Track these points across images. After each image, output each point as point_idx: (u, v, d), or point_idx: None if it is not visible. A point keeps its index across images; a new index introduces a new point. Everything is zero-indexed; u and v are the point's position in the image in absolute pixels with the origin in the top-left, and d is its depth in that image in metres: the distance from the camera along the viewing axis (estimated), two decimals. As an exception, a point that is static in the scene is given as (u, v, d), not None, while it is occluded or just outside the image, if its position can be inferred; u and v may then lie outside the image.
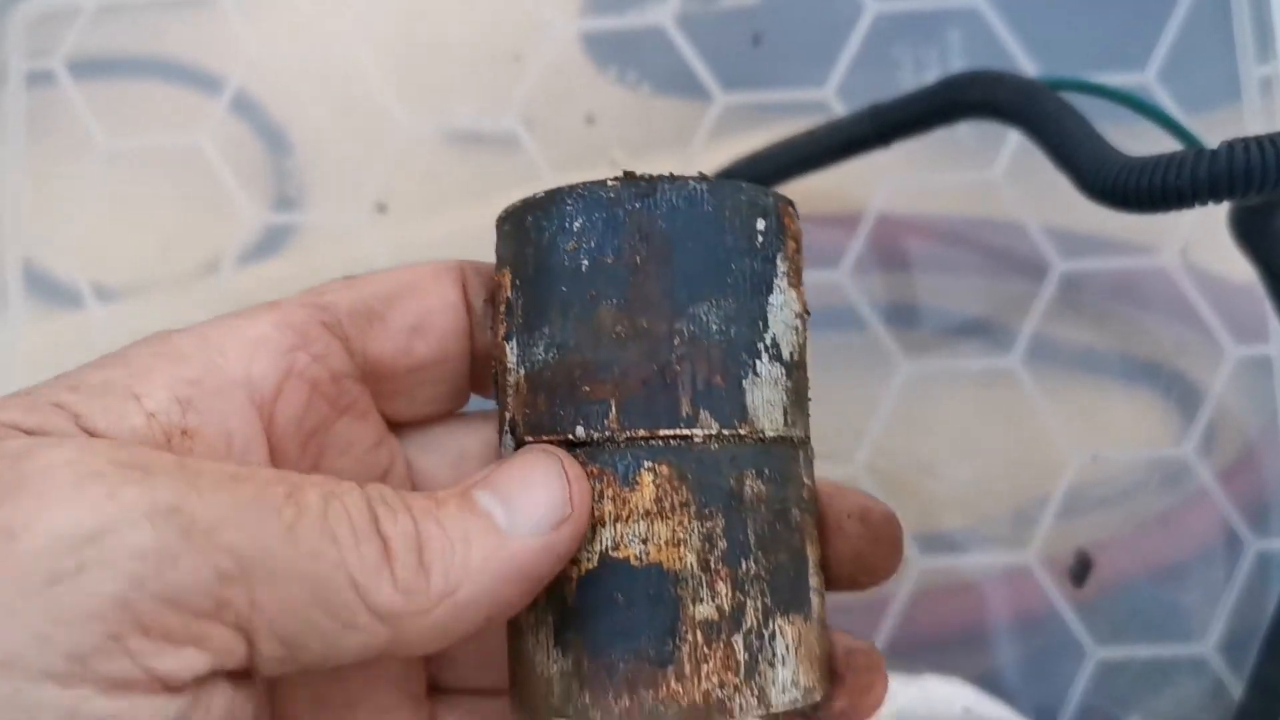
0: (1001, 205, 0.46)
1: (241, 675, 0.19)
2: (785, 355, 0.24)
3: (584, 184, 0.24)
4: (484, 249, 0.45)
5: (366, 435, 0.25)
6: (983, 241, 0.47)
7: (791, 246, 0.25)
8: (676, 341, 0.23)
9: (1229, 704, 0.43)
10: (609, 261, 0.23)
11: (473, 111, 0.48)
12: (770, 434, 0.24)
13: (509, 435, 0.24)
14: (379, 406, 0.26)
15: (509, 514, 0.21)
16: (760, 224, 0.24)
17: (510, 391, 0.24)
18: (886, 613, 0.44)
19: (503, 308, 0.25)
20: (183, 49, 0.50)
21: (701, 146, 0.47)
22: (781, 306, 0.25)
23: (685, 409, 0.23)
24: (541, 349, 0.24)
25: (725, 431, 0.23)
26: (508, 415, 0.25)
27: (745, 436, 0.23)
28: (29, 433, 0.19)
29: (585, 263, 0.23)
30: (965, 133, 0.47)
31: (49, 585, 0.17)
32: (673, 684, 0.22)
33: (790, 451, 0.24)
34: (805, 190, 0.43)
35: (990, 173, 0.46)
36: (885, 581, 0.27)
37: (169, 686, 0.18)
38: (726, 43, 0.48)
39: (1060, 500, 0.45)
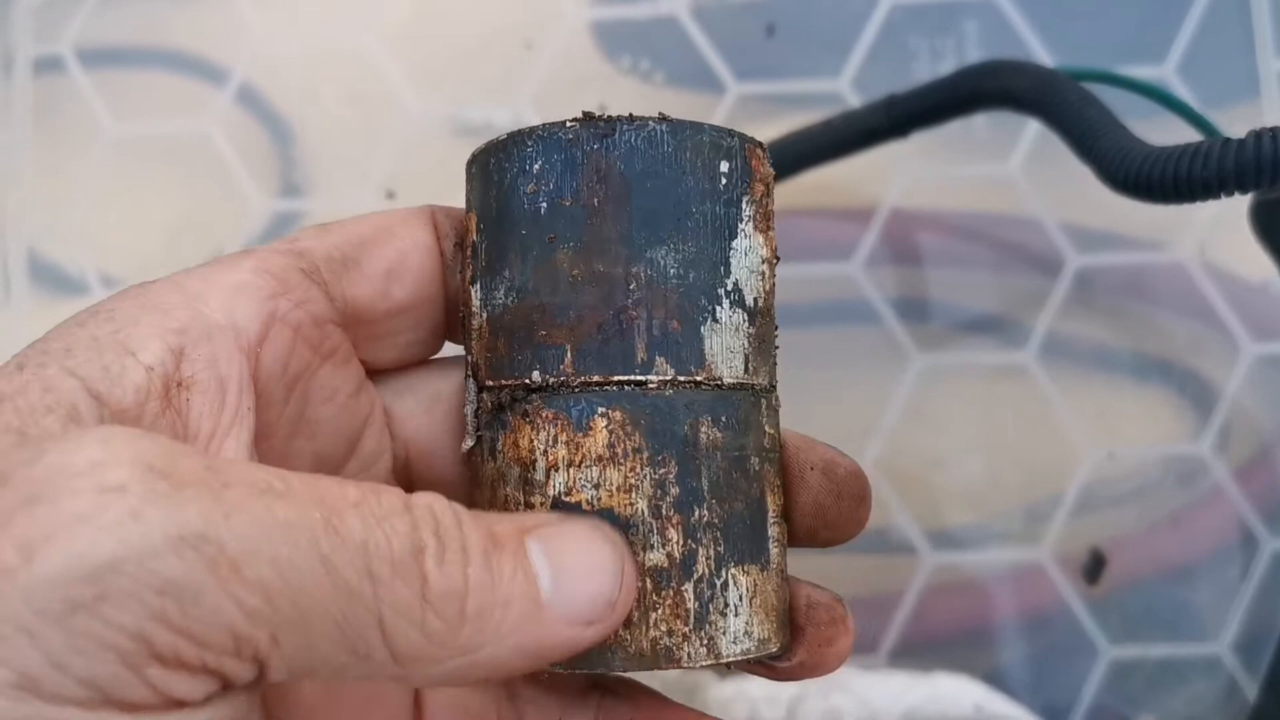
0: (1017, 200, 0.46)
1: (249, 687, 0.19)
2: (749, 301, 0.24)
3: (544, 125, 0.23)
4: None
5: (348, 381, 0.25)
6: (997, 236, 0.46)
7: (760, 190, 0.25)
8: (632, 286, 0.23)
9: (1243, 704, 0.43)
10: (566, 204, 0.23)
11: (483, 99, 0.47)
12: (729, 381, 0.23)
13: (471, 380, 0.24)
14: (357, 353, 0.26)
15: (555, 588, 0.20)
16: (724, 166, 0.24)
17: (474, 335, 0.24)
18: (898, 609, 0.44)
19: (469, 251, 0.25)
20: (190, 37, 0.49)
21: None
22: (746, 251, 0.24)
23: (640, 355, 0.23)
24: (502, 293, 0.24)
25: (681, 378, 0.23)
26: (471, 359, 0.24)
27: (702, 383, 0.23)
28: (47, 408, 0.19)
29: (544, 205, 0.23)
30: (981, 125, 0.46)
31: (68, 613, 0.16)
32: (620, 631, 0.22)
33: (751, 399, 0.24)
34: (820, 183, 0.43)
35: (1006, 166, 0.46)
36: (848, 540, 0.27)
37: (183, 705, 0.17)
38: (740, 33, 0.47)
39: (1074, 497, 0.44)
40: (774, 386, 0.25)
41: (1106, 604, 0.44)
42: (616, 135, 0.23)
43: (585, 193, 0.23)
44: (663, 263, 0.23)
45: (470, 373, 0.25)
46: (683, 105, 0.47)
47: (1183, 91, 0.46)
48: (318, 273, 0.24)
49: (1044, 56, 0.46)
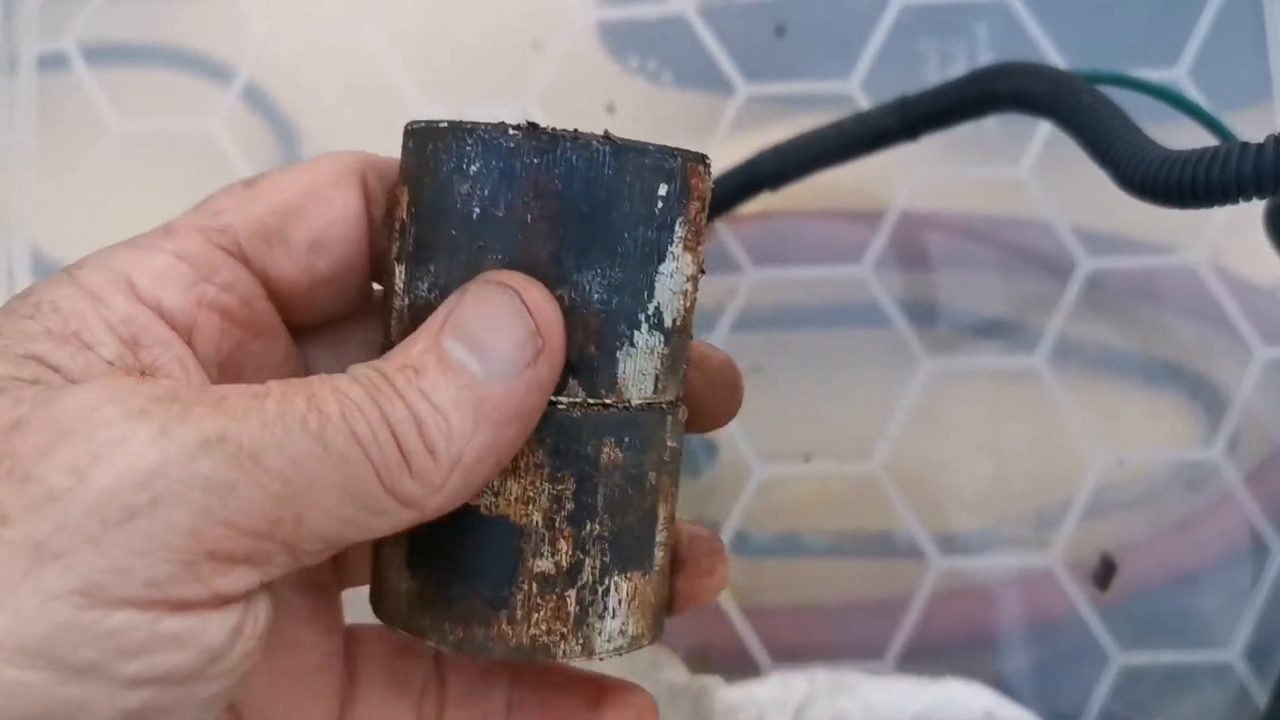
0: (1027, 202, 0.46)
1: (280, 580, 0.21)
2: (667, 323, 0.24)
3: (487, 125, 0.23)
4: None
5: (278, 350, 0.26)
6: (1007, 239, 0.46)
7: (695, 208, 0.24)
8: None
9: (1254, 712, 0.42)
10: (499, 215, 0.23)
11: (489, 99, 0.47)
12: (637, 403, 0.24)
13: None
14: (281, 315, 0.26)
15: (484, 363, 0.21)
16: (663, 189, 0.23)
17: (394, 315, 0.24)
18: (905, 614, 0.44)
19: (398, 225, 0.24)
20: (194, 34, 0.49)
21: (723, 138, 0.46)
22: (672, 274, 0.24)
23: None
24: (425, 286, 0.23)
25: (591, 401, 0.23)
26: (391, 335, 0.24)
27: (610, 405, 0.23)
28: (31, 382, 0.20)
29: (477, 210, 0.23)
30: (991, 127, 0.46)
31: (127, 519, 0.17)
32: (503, 625, 0.23)
33: (656, 417, 0.24)
34: (829, 184, 0.43)
35: (1017, 169, 0.46)
36: (724, 424, 0.29)
37: (226, 601, 0.19)
38: (749, 33, 0.47)
39: (1083, 502, 0.44)
40: (680, 398, 0.25)
41: (1116, 610, 0.44)
42: (558, 152, 0.22)
43: (520, 207, 0.23)
44: (588, 287, 0.23)
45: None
46: (691, 105, 0.47)
47: (1194, 93, 0.45)
48: (240, 252, 0.24)
49: (1055, 58, 0.46)
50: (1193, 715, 0.43)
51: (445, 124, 0.23)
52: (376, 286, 0.27)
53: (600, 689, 0.27)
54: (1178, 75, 0.46)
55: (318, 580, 0.27)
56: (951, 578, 0.44)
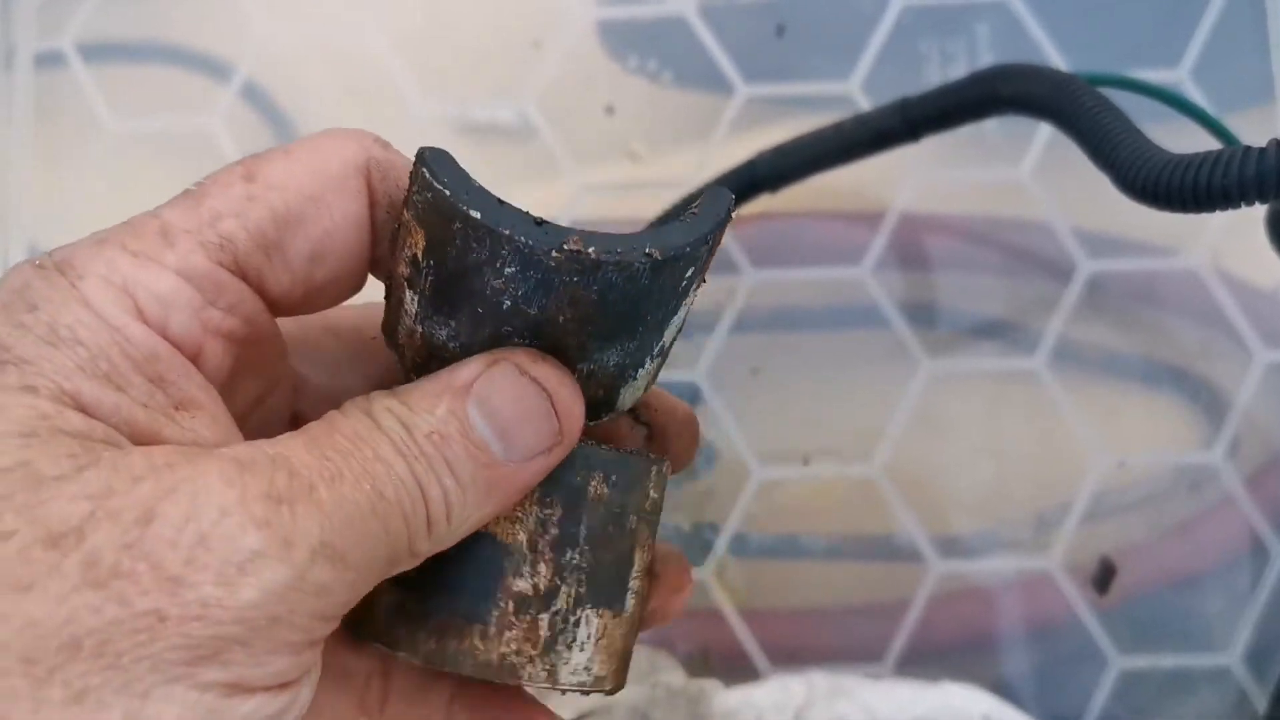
0: (1028, 204, 0.45)
1: None
2: (668, 347, 0.25)
3: (525, 240, 0.22)
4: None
5: (273, 352, 0.26)
6: (1008, 241, 0.46)
7: (712, 256, 0.24)
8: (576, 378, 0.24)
9: (1253, 716, 0.42)
10: (532, 312, 0.23)
11: (489, 98, 0.47)
12: (630, 446, 0.25)
13: (399, 358, 0.25)
14: (272, 312, 0.26)
15: (505, 447, 0.23)
16: (689, 272, 0.23)
17: (404, 331, 0.24)
18: (905, 617, 0.43)
19: (407, 253, 0.24)
20: (192, 32, 0.49)
21: (723, 138, 0.46)
22: (678, 323, 0.25)
23: None
24: (443, 333, 0.24)
25: (590, 425, 0.24)
26: (400, 339, 0.25)
27: (603, 442, 0.25)
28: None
29: (508, 303, 0.23)
30: (992, 128, 0.46)
31: (269, 626, 0.20)
32: (475, 640, 0.24)
33: (644, 465, 0.26)
34: (829, 185, 0.43)
35: (1017, 171, 0.46)
36: (678, 471, 0.30)
37: (286, 687, 0.21)
38: (749, 34, 0.47)
39: (1083, 505, 0.44)
40: (666, 456, 0.27)
41: (1116, 614, 0.43)
42: (600, 274, 0.22)
43: (553, 309, 0.23)
44: (607, 361, 0.24)
45: (399, 348, 0.25)
46: (691, 105, 0.47)
47: (1196, 95, 0.45)
48: (240, 268, 0.24)
49: (1057, 59, 0.46)
50: (1192, 719, 0.43)
51: (478, 216, 0.22)
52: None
53: (532, 709, 0.28)
54: (1179, 76, 0.46)
55: None
56: (951, 580, 0.44)
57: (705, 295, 0.45)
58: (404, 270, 0.24)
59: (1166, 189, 0.28)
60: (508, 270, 0.22)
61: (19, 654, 0.18)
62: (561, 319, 0.23)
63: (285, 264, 0.24)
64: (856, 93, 0.46)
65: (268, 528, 0.20)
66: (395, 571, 0.22)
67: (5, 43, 0.49)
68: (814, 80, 0.47)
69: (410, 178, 0.24)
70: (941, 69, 0.46)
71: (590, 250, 0.22)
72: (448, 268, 0.23)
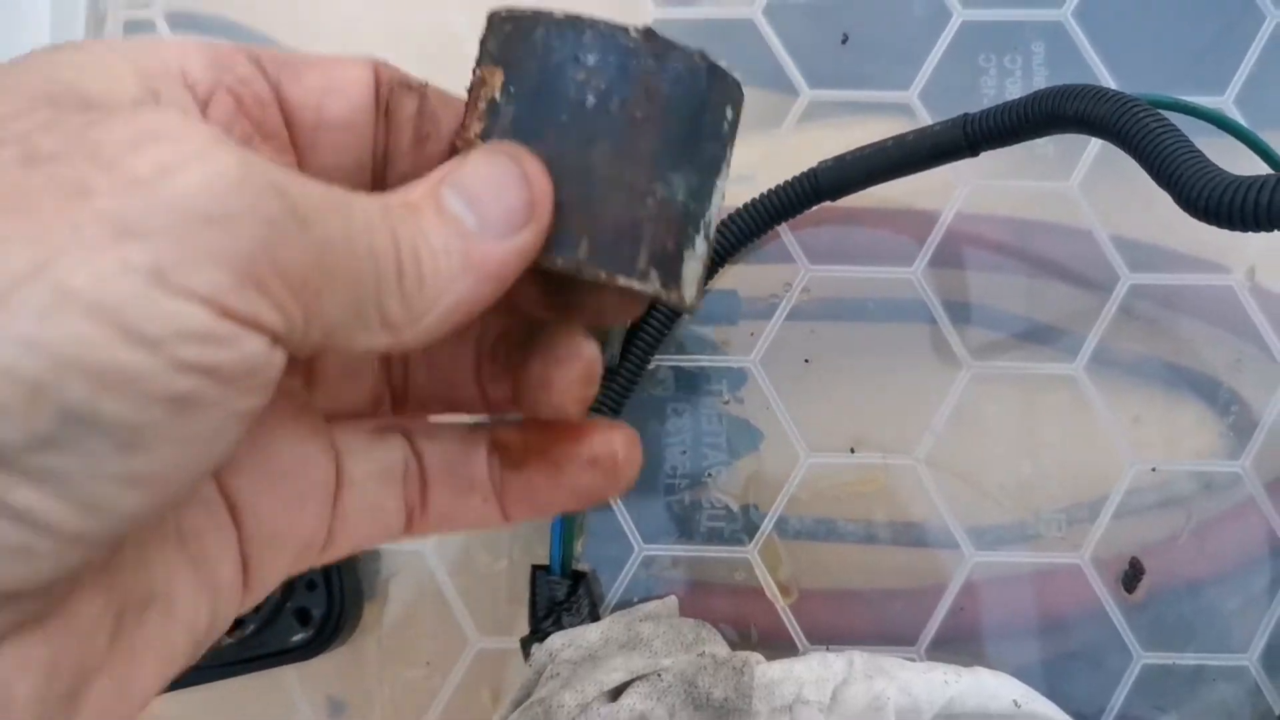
0: (1075, 215, 0.47)
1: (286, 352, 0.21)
2: (710, 235, 0.27)
3: (604, 22, 0.24)
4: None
5: (284, 155, 0.26)
6: (1053, 250, 0.48)
7: (735, 136, 0.27)
8: (650, 201, 0.24)
9: (1268, 715, 0.44)
10: (613, 108, 0.24)
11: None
12: (688, 304, 0.26)
13: None
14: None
15: (478, 219, 0.23)
16: (729, 113, 0.26)
17: None
18: (938, 604, 0.45)
19: (483, 104, 0.25)
20: (269, 15, 0.50)
21: (787, 136, 0.48)
22: (720, 191, 0.26)
23: (642, 263, 0.25)
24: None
25: (663, 294, 0.25)
26: None
27: (672, 301, 0.26)
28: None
29: (591, 99, 0.24)
30: (1044, 143, 0.48)
31: (204, 223, 0.18)
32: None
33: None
34: (884, 191, 0.44)
35: (1066, 184, 0.48)
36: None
37: (265, 334, 0.19)
38: (816, 39, 0.49)
39: (1115, 506, 0.46)
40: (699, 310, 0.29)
41: (1140, 611, 0.46)
42: (671, 60, 0.25)
43: (632, 103, 0.24)
44: (675, 186, 0.25)
45: None
46: (756, 106, 0.48)
47: (1242, 123, 0.47)
48: (260, 62, 0.25)
49: (1109, 80, 0.48)
50: (1210, 714, 0.45)
51: (560, 13, 0.25)
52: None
53: (583, 427, 0.28)
54: (1225, 103, 0.48)
55: (289, 386, 0.27)
56: (984, 570, 0.46)
57: (763, 284, 0.47)
58: (477, 126, 0.25)
59: (1229, 208, 0.30)
60: (590, 59, 0.24)
61: None
62: (638, 115, 0.24)
63: (300, 82, 0.26)
64: (915, 102, 0.48)
65: (224, 145, 0.19)
66: (364, 334, 0.21)
67: (96, 10, 0.51)
68: (875, 88, 0.49)
69: (482, 39, 0.26)
70: (998, 83, 0.48)
71: (658, 34, 0.25)
72: (531, 84, 0.25)
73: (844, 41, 0.49)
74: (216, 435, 0.20)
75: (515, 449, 0.28)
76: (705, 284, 0.28)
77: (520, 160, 0.24)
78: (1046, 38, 0.48)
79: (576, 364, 0.27)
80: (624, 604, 0.46)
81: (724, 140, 0.26)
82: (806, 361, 0.47)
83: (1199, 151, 0.33)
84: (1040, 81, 0.48)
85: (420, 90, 0.28)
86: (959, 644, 0.45)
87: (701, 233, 0.26)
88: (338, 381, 0.29)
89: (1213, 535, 0.46)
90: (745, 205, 0.45)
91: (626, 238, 0.24)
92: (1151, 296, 0.47)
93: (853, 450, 0.46)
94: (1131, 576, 0.46)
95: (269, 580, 0.26)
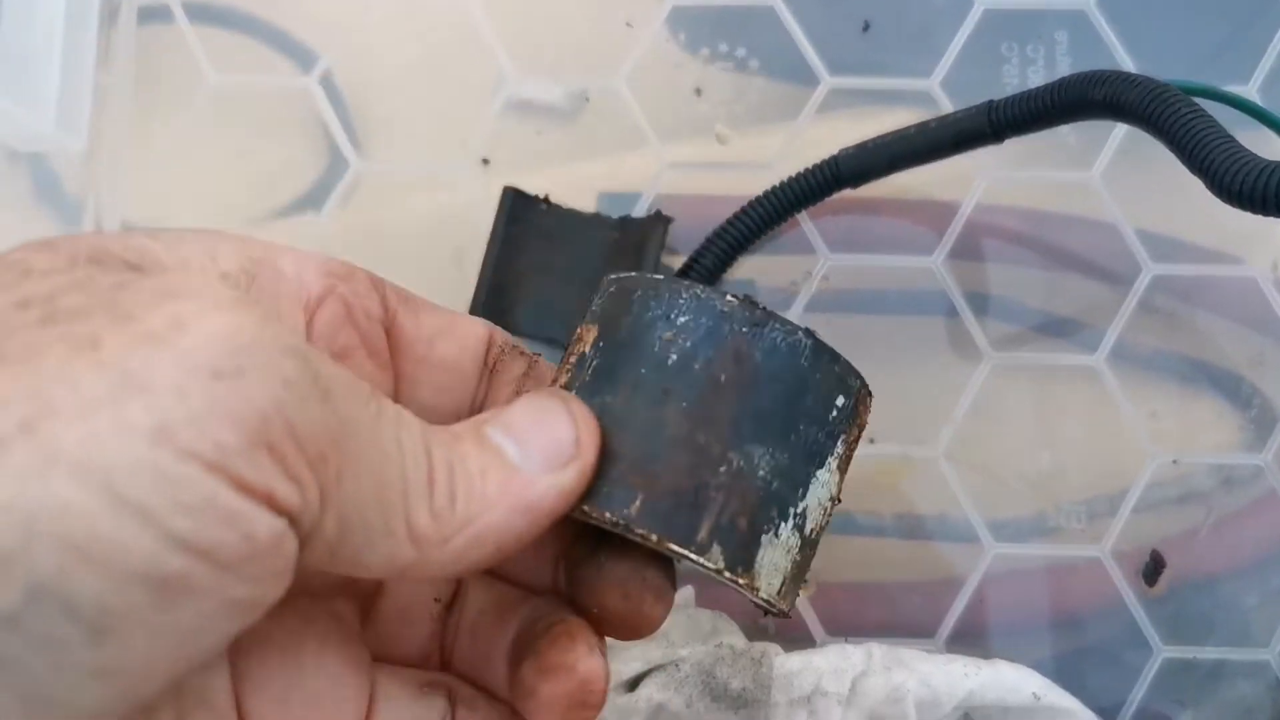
0: (1097, 206, 0.47)
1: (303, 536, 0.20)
2: (807, 530, 0.25)
3: (704, 287, 0.24)
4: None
5: (384, 385, 0.26)
6: (1075, 241, 0.47)
7: (854, 434, 0.26)
8: (723, 469, 0.23)
9: (1288, 709, 0.44)
10: (696, 367, 0.24)
11: (580, 74, 0.48)
12: (763, 596, 0.24)
13: None
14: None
15: (521, 452, 0.22)
16: (840, 400, 0.25)
17: None
18: (957, 596, 0.45)
19: (574, 359, 0.25)
20: (290, 9, 0.50)
21: (806, 125, 0.48)
22: (824, 485, 0.25)
23: (702, 535, 0.23)
24: (596, 412, 0.24)
25: (726, 574, 0.23)
26: None
27: (740, 586, 0.24)
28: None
29: (674, 357, 0.24)
30: (1067, 131, 0.47)
31: (213, 379, 0.17)
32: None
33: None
34: (906, 177, 0.44)
35: (1089, 174, 0.47)
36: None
37: (274, 507, 0.18)
38: (837, 27, 0.48)
39: (1135, 499, 0.45)
40: (789, 615, 0.26)
41: (1160, 604, 0.45)
42: (766, 329, 0.24)
43: (717, 365, 0.24)
44: (756, 461, 0.24)
45: None
46: (775, 92, 0.48)
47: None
48: (381, 286, 0.25)
49: (1132, 69, 0.47)
50: (1229, 709, 0.45)
51: (660, 278, 0.24)
52: None
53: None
54: (1250, 92, 0.47)
55: (342, 614, 0.26)
56: (1004, 563, 0.45)
57: (782, 274, 0.47)
58: (563, 379, 0.25)
59: (1263, 193, 0.30)
60: (681, 319, 0.24)
61: None
62: (723, 378, 0.23)
63: (416, 320, 0.26)
64: (937, 91, 0.48)
65: (246, 305, 0.18)
66: (389, 544, 0.20)
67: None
68: (896, 76, 0.48)
69: (590, 302, 0.26)
70: (1020, 71, 0.48)
71: (761, 304, 0.24)
72: (617, 339, 0.24)
73: (865, 29, 0.49)
74: (203, 629, 0.18)
75: None
76: (799, 583, 0.26)
77: (567, 401, 0.23)
78: (1070, 26, 0.48)
79: (567, 679, 0.24)
80: (640, 594, 0.46)
81: (830, 429, 0.25)
82: (826, 351, 0.46)
83: (1231, 137, 0.33)
84: (1063, 71, 0.48)
85: (531, 357, 0.27)
86: (978, 637, 0.45)
87: (790, 522, 0.24)
88: (393, 623, 0.27)
89: (1233, 529, 0.46)
90: (765, 192, 0.44)
91: (687, 502, 0.23)
92: (1172, 290, 0.47)
93: (872, 441, 0.46)
94: (1152, 569, 0.45)
95: None
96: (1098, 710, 0.43)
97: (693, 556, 0.23)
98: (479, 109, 0.48)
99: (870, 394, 0.26)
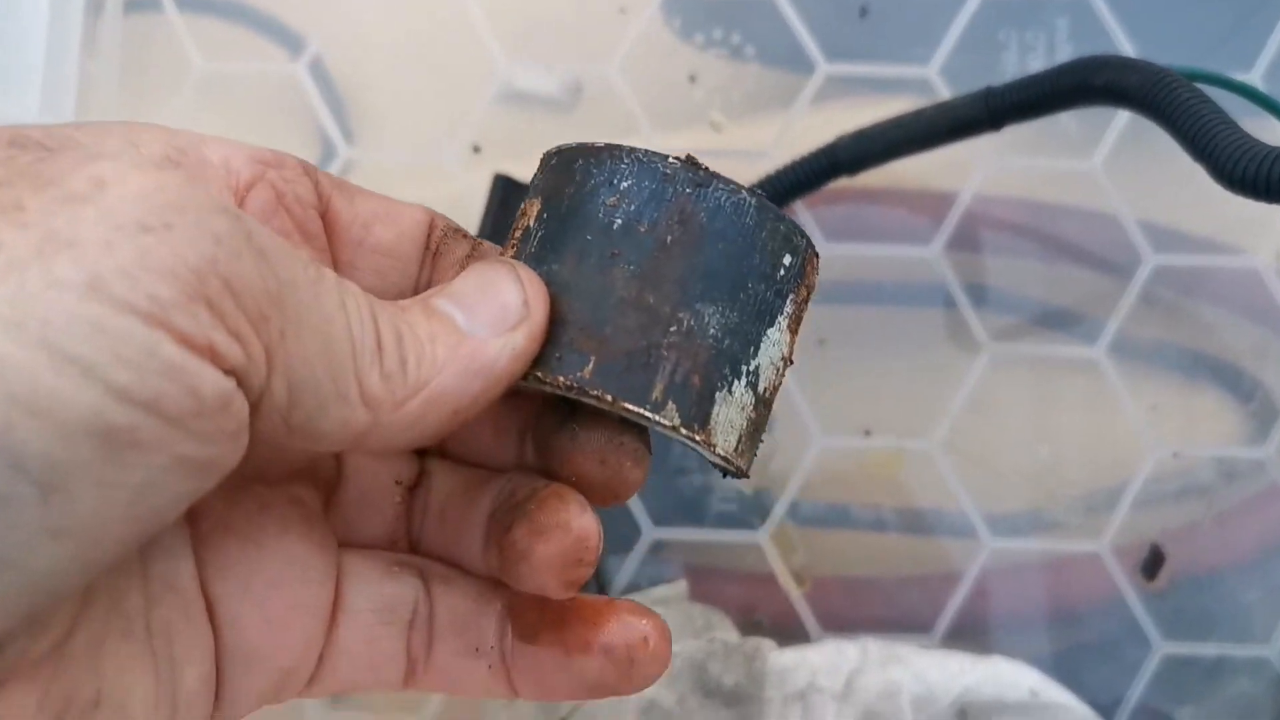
0: (1097, 195, 0.46)
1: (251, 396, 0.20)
2: (760, 388, 0.25)
3: (645, 150, 0.24)
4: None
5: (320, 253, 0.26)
6: (1075, 231, 0.47)
7: (803, 294, 0.25)
8: (673, 329, 0.23)
9: (1290, 706, 0.44)
10: (641, 230, 0.24)
11: (572, 60, 0.48)
12: (720, 453, 0.24)
13: None
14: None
15: (468, 317, 0.22)
16: (786, 259, 0.25)
17: None
18: (954, 591, 0.45)
19: (519, 233, 0.25)
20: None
21: (801, 113, 0.47)
22: (775, 344, 0.25)
23: (656, 393, 0.23)
24: (544, 280, 0.24)
25: (683, 431, 0.23)
26: None
27: (698, 443, 0.24)
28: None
29: (619, 221, 0.24)
30: (1067, 119, 0.47)
31: (141, 232, 0.17)
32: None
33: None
34: (903, 166, 0.43)
35: (1089, 162, 0.46)
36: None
37: (220, 366, 0.18)
38: (834, 13, 0.48)
39: (1135, 493, 0.45)
40: (749, 475, 0.26)
41: (1160, 600, 0.45)
42: (710, 188, 0.24)
43: (662, 227, 0.23)
44: (706, 320, 0.24)
45: None
46: (771, 80, 0.47)
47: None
48: (314, 172, 0.25)
49: (1132, 55, 0.47)
50: (1227, 708, 0.44)
51: (601, 144, 0.24)
52: None
53: (602, 608, 0.25)
54: (1253, 78, 0.46)
55: (302, 499, 0.26)
56: (1001, 558, 0.45)
57: (778, 266, 0.46)
58: (509, 254, 0.25)
59: (1266, 180, 0.29)
60: (624, 184, 0.24)
61: None
62: (669, 239, 0.23)
63: (352, 205, 0.25)
64: (935, 78, 0.47)
65: (171, 165, 0.19)
66: (343, 408, 0.20)
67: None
68: (894, 63, 0.47)
69: (532, 178, 0.26)
70: (1019, 58, 0.47)
71: (703, 164, 0.24)
72: (561, 209, 0.24)
73: (862, 15, 0.48)
74: (154, 485, 0.18)
75: (529, 619, 0.25)
76: (755, 443, 0.25)
77: (513, 266, 0.23)
78: (1070, 13, 0.47)
79: (562, 538, 0.24)
80: (632, 588, 0.45)
81: (779, 288, 0.24)
82: (821, 342, 0.46)
83: (1235, 123, 0.32)
84: (1063, 58, 0.47)
85: (475, 240, 0.27)
86: (975, 632, 0.44)
87: (743, 380, 0.24)
88: (355, 507, 0.27)
89: (1234, 524, 0.45)
90: (761, 180, 0.44)
91: (639, 362, 0.23)
92: (1173, 283, 0.46)
93: (868, 433, 0.45)
94: (1152, 563, 0.45)
95: (242, 703, 0.24)
96: (1096, 707, 0.43)
97: (649, 415, 0.23)
98: (470, 96, 0.47)
99: (817, 255, 0.26)
